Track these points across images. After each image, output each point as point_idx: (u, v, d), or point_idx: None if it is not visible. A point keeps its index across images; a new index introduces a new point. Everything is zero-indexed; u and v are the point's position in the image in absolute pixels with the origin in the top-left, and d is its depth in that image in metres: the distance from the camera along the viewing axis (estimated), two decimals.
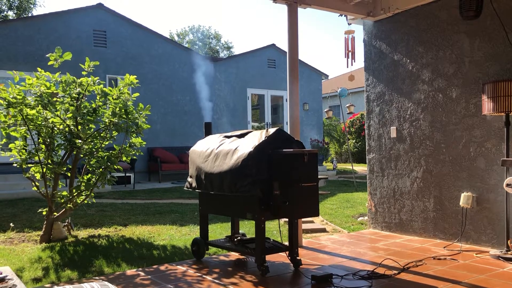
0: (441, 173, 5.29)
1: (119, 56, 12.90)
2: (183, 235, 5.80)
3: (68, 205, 5.45)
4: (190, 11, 56.72)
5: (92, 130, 5.56)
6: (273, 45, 16.36)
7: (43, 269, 4.25)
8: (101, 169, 5.57)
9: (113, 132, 5.66)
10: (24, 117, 5.14)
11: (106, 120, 5.54)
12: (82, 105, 5.42)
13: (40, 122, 5.25)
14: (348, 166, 17.40)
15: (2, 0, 23.91)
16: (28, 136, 5.38)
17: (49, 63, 5.38)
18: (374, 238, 5.56)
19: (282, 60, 15.88)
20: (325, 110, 13.57)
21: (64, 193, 5.51)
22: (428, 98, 5.44)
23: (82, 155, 5.60)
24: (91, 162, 5.61)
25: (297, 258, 4.22)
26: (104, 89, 5.50)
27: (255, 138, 4.10)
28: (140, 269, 4.29)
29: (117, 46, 12.91)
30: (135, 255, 4.79)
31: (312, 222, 6.49)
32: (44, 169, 5.33)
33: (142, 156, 10.57)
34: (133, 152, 5.78)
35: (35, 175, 5.50)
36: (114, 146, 5.75)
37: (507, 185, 4.35)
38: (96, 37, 12.59)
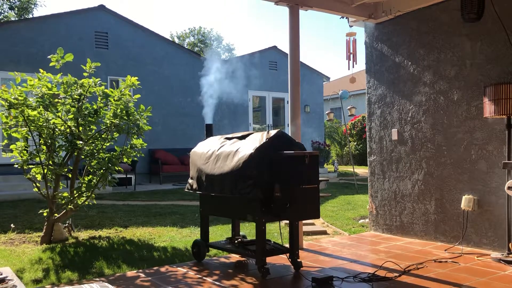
0: (442, 176, 5.28)
1: (121, 57, 12.92)
2: (183, 236, 5.80)
3: (69, 206, 5.45)
4: (192, 13, 56.80)
5: (93, 131, 5.56)
6: (275, 47, 16.37)
7: (43, 270, 4.25)
8: (102, 171, 5.57)
9: (114, 133, 5.66)
10: (26, 118, 5.14)
11: (107, 122, 5.55)
12: (83, 107, 5.43)
13: (41, 123, 5.25)
14: (349, 169, 17.39)
15: (2, 0, 23.94)
16: (29, 137, 5.39)
17: (51, 64, 5.39)
18: (375, 241, 5.55)
19: (284, 62, 15.86)
20: (327, 112, 13.58)
21: (65, 194, 5.51)
22: (430, 101, 5.44)
23: (83, 156, 5.60)
24: (92, 164, 5.61)
25: (298, 260, 4.22)
26: (106, 90, 5.51)
27: (256, 140, 4.09)
28: (140, 270, 4.28)
29: (119, 48, 12.93)
30: (135, 256, 4.79)
31: (313, 224, 6.47)
32: (45, 170, 5.34)
33: (143, 157, 10.53)
34: (134, 154, 5.78)
35: (36, 176, 5.50)
36: (115, 147, 5.76)
37: (509, 187, 4.34)
38: (97, 38, 12.62)
